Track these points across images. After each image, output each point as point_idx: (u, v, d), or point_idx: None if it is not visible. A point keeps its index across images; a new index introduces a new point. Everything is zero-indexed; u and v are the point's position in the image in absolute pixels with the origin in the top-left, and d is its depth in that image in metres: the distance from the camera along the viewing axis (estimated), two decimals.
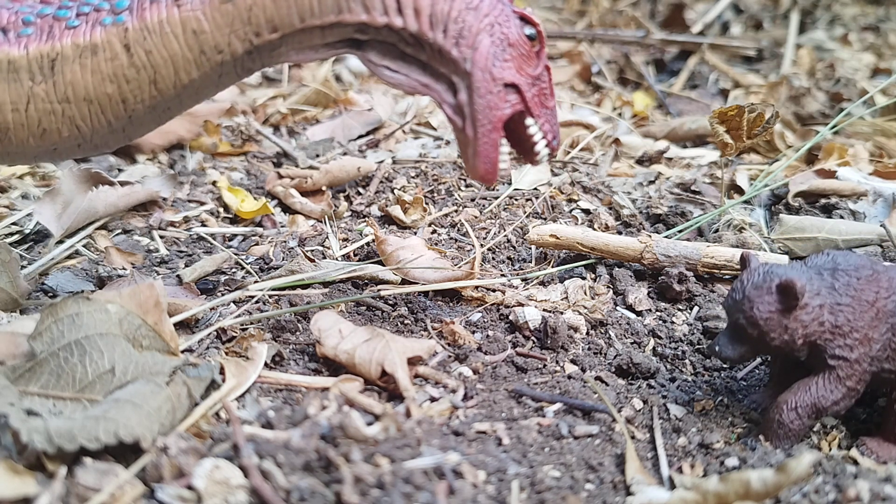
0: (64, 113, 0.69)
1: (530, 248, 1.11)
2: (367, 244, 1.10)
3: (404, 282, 0.99)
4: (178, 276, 0.98)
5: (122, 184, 1.16)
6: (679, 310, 0.99)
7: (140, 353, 0.70)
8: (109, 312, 0.71)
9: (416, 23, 0.71)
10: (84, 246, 1.06)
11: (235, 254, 1.07)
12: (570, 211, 1.23)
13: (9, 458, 0.62)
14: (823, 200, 1.26)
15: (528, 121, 0.76)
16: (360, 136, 1.50)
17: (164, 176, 1.27)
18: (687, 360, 0.89)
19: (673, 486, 0.69)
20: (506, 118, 0.74)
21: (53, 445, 0.61)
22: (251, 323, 0.87)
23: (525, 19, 0.74)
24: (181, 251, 1.09)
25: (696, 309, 0.99)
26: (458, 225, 1.16)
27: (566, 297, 0.96)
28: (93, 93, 0.69)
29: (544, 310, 0.93)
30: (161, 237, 1.12)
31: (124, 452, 0.64)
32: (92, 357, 0.67)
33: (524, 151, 0.80)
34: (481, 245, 1.09)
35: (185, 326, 0.87)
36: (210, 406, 0.71)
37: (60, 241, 1.06)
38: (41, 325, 0.69)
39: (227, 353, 0.82)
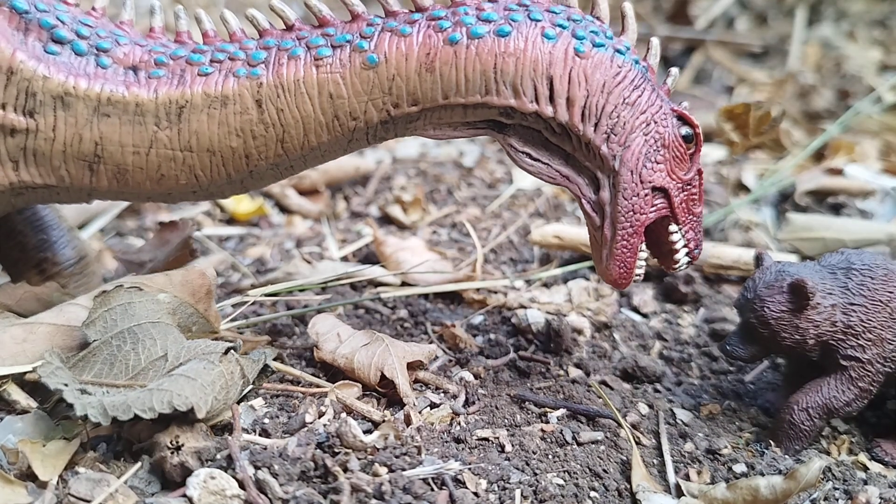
0: (185, 161, 0.67)
1: (533, 249, 1.09)
2: (366, 245, 1.08)
3: (404, 284, 0.98)
4: None
5: None
6: (685, 311, 0.98)
7: (191, 338, 0.71)
8: (160, 301, 0.71)
9: (568, 114, 0.66)
10: None
11: (231, 255, 1.05)
12: (574, 210, 1.21)
13: None
14: (831, 199, 1.24)
15: (672, 227, 0.71)
16: None
17: None
18: (693, 364, 0.88)
19: (680, 494, 0.68)
20: (649, 222, 0.69)
21: (108, 417, 0.61)
22: (247, 326, 0.86)
23: (683, 119, 0.70)
24: None
25: (702, 310, 0.98)
26: (459, 225, 1.15)
27: (570, 299, 0.95)
28: (217, 144, 0.67)
29: (548, 312, 0.92)
30: None
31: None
32: (145, 344, 0.67)
33: (660, 255, 0.74)
34: (483, 246, 1.07)
35: None
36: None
37: None
38: (94, 313, 0.69)
39: None
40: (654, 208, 0.69)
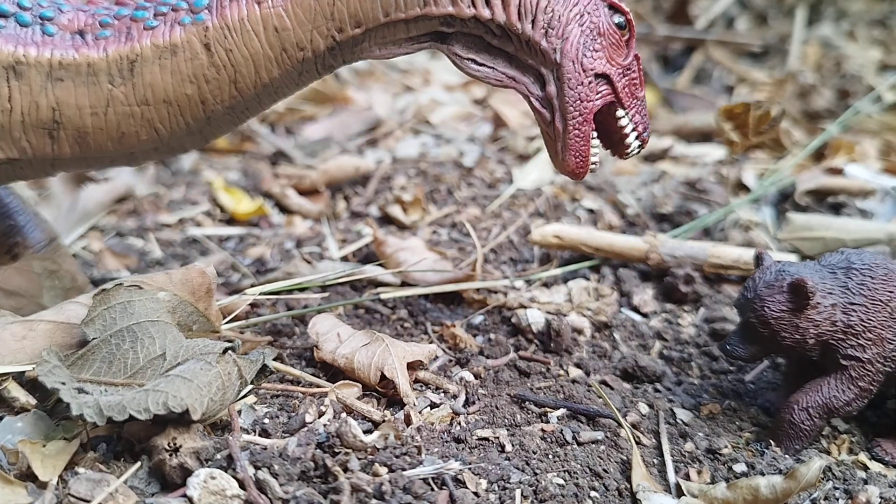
0: (143, 115, 0.68)
1: (533, 249, 1.09)
2: (366, 245, 1.08)
3: (404, 284, 0.98)
4: None
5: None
6: (685, 311, 0.97)
7: (190, 337, 0.71)
8: (160, 300, 0.71)
9: (504, 14, 0.69)
10: (83, 248, 1.05)
11: (231, 255, 1.05)
12: (574, 210, 1.21)
13: None
14: (831, 199, 1.24)
15: (619, 112, 0.74)
16: (359, 135, 1.49)
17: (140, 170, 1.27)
18: (693, 363, 0.88)
19: (680, 493, 0.68)
20: (596, 109, 0.72)
21: (103, 417, 0.61)
22: (247, 327, 0.86)
23: (614, 7, 0.73)
24: (176, 253, 1.07)
25: (702, 310, 0.97)
26: (459, 225, 1.14)
27: (570, 299, 0.95)
28: (172, 94, 0.68)
29: (548, 312, 0.91)
30: (156, 239, 1.11)
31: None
32: (143, 343, 0.68)
33: (613, 144, 0.77)
34: (483, 246, 1.07)
35: None
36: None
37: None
38: (93, 311, 0.69)
39: None
40: (599, 95, 0.72)
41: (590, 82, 0.71)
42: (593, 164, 0.74)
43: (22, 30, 0.67)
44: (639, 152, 0.77)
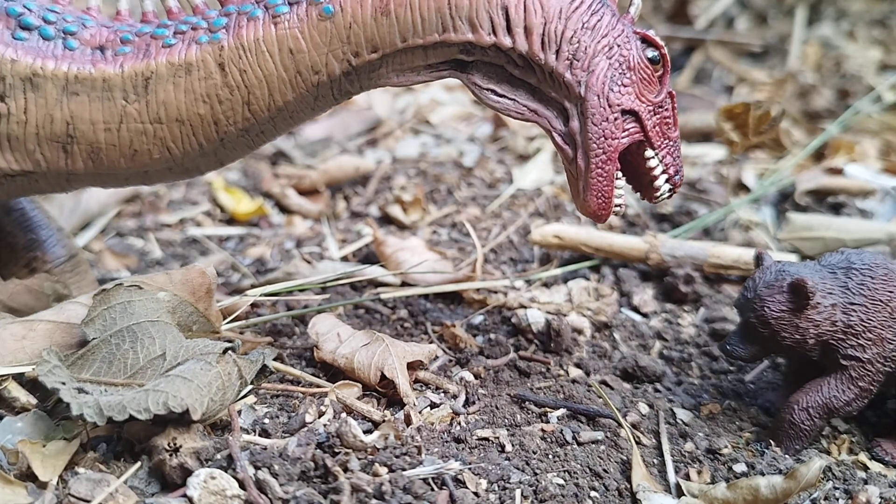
0: (155, 134, 0.68)
1: (533, 249, 1.09)
2: (366, 245, 1.08)
3: (404, 284, 0.98)
4: None
5: None
6: (685, 311, 0.98)
7: (190, 337, 0.71)
8: (160, 300, 0.71)
9: (527, 43, 0.66)
10: (83, 248, 1.05)
11: (231, 255, 1.05)
12: (574, 210, 1.21)
13: None
14: (831, 199, 1.24)
15: (648, 152, 0.70)
16: (359, 135, 1.49)
17: None
18: (693, 363, 0.88)
19: (680, 493, 0.68)
20: (622, 148, 0.68)
21: (103, 417, 0.61)
22: (247, 327, 0.86)
23: (647, 41, 0.69)
24: (176, 253, 1.07)
25: (702, 310, 0.97)
26: (459, 225, 1.15)
27: (570, 299, 0.95)
28: (185, 113, 0.67)
29: (548, 312, 0.92)
30: (156, 239, 1.11)
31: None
32: (143, 343, 0.68)
33: (642, 186, 0.73)
34: (483, 246, 1.07)
35: None
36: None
37: None
38: (93, 311, 0.69)
39: None
40: (625, 133, 0.68)
41: (616, 118, 0.67)
42: (617, 206, 0.70)
43: (44, 43, 0.67)
44: (670, 196, 0.73)
